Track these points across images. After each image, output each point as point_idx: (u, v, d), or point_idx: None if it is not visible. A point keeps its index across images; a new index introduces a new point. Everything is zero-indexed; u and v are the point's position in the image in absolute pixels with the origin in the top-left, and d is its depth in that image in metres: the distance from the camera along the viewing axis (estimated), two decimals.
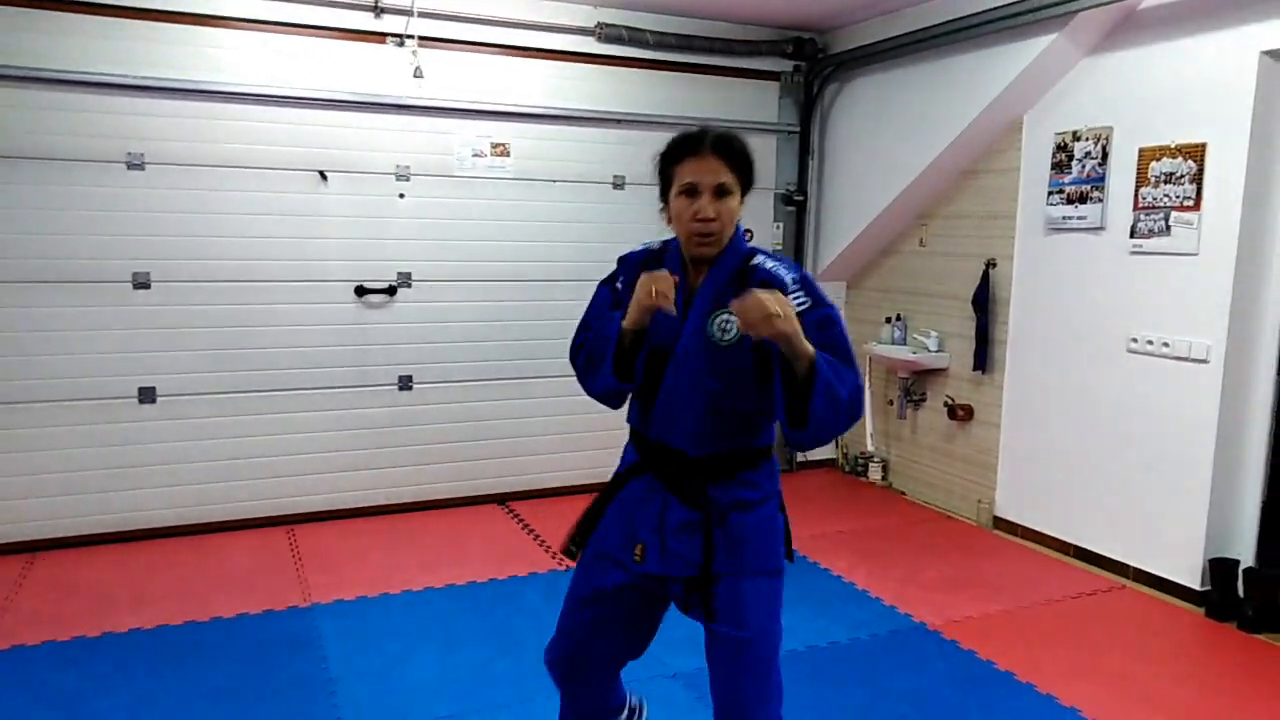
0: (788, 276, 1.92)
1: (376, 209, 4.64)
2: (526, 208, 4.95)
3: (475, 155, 4.80)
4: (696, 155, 1.91)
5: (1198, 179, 3.71)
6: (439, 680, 3.09)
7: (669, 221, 2.00)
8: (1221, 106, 3.63)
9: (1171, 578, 3.91)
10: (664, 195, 2.00)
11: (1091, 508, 4.27)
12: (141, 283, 4.26)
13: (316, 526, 4.62)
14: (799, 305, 1.85)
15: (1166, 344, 3.88)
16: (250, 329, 4.47)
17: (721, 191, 1.91)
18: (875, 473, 5.60)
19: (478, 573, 4.04)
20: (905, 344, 5.30)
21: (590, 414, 5.22)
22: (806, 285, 1.92)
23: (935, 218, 5.13)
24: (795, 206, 5.64)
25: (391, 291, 4.72)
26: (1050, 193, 4.36)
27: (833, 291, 5.82)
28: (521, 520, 4.78)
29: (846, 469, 5.86)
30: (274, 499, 4.61)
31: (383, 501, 4.84)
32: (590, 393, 2.07)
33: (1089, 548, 4.28)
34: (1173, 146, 3.80)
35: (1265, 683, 3.18)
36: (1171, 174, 3.81)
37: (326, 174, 4.50)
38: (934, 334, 5.09)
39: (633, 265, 2.05)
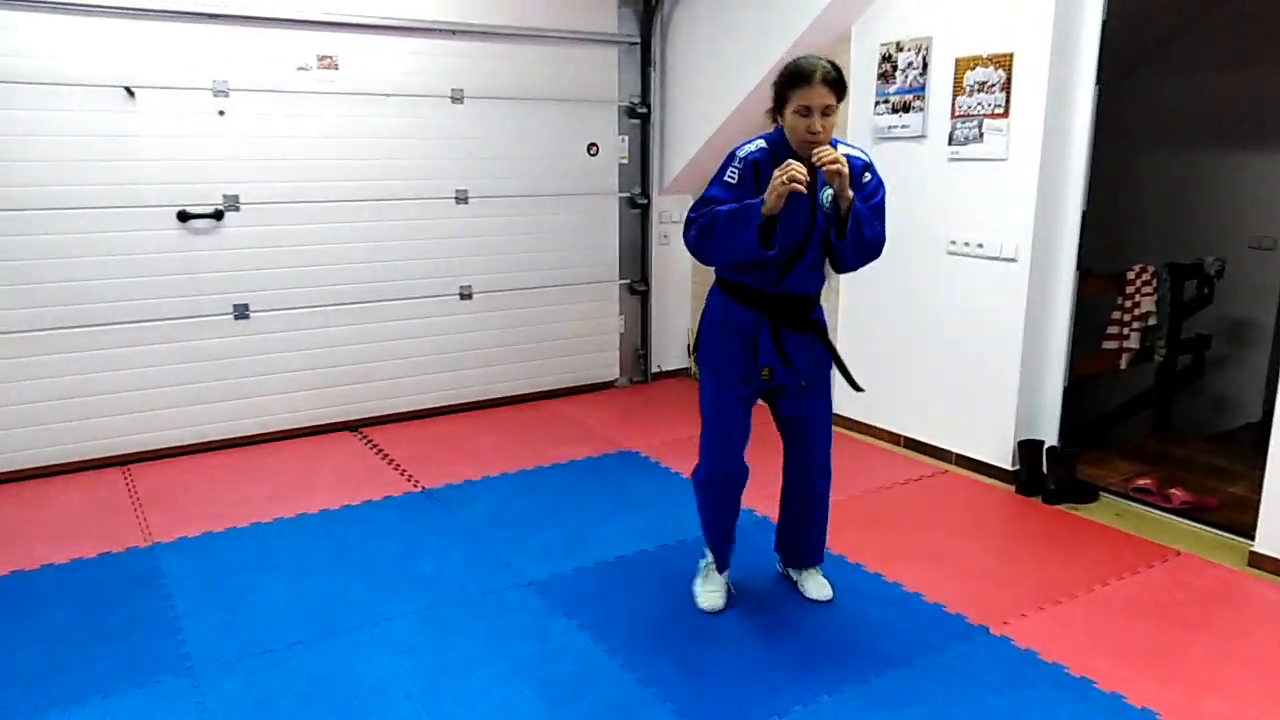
0: (867, 159, 2.77)
1: (194, 128, 4.35)
2: (360, 124, 4.74)
3: (301, 69, 4.54)
4: (809, 85, 2.54)
5: (1007, 87, 3.92)
6: (292, 608, 3.07)
7: (775, 125, 2.70)
8: (1027, 17, 3.83)
9: (987, 460, 4.28)
10: (779, 109, 2.64)
11: (918, 400, 4.59)
12: None
13: (155, 465, 4.43)
14: (868, 180, 2.74)
15: (981, 245, 4.15)
16: (63, 260, 4.15)
17: (827, 111, 2.58)
18: None
19: (330, 500, 3.99)
20: None
21: (436, 336, 5.19)
22: (871, 169, 2.78)
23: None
24: (639, 119, 5.63)
25: (219, 216, 4.47)
26: (877, 102, 4.52)
27: (680, 204, 5.89)
28: (375, 445, 4.73)
29: (696, 376, 6.02)
30: (105, 439, 4.38)
31: (226, 435, 4.67)
32: (715, 260, 2.79)
33: (916, 437, 4.62)
34: (984, 56, 4.00)
35: (1060, 547, 3.55)
36: (984, 83, 4.01)
37: (134, 90, 4.18)
38: None
39: (748, 160, 2.67)
